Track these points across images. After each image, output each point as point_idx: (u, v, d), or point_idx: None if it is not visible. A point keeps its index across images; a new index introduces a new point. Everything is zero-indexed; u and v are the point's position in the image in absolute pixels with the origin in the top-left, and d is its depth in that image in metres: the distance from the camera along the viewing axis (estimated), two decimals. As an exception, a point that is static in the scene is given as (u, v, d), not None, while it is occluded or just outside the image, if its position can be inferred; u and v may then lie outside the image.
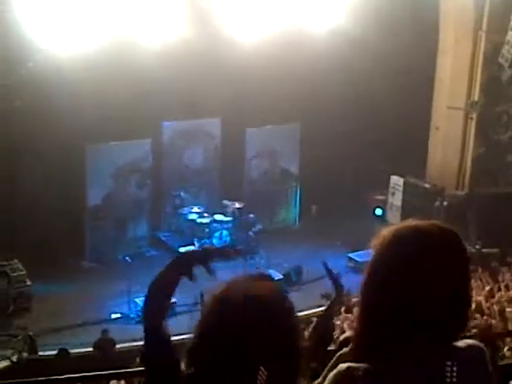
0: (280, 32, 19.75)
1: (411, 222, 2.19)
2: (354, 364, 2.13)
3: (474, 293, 14.52)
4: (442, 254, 2.11)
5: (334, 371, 2.16)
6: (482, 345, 2.24)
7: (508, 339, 10.56)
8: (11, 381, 10.05)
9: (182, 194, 20.75)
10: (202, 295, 17.32)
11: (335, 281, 4.89)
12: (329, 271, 4.99)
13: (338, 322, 15.13)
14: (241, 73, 19.47)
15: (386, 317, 2.11)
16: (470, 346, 2.19)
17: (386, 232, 2.19)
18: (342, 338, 4.51)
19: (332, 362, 2.33)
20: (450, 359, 2.12)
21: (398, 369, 2.09)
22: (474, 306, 13.87)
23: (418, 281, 2.08)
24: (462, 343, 2.19)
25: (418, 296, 2.08)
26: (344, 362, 2.16)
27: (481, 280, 16.36)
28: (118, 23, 18.24)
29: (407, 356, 2.09)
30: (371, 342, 2.14)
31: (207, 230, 20.15)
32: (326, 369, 2.67)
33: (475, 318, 12.22)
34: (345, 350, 2.31)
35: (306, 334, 14.05)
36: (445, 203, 20.99)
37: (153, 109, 19.11)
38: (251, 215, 20.39)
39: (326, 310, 4.96)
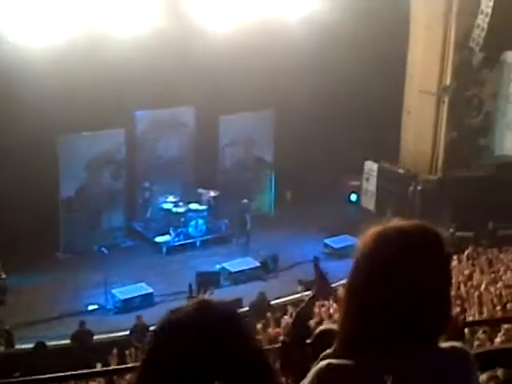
0: (253, 19, 19.72)
1: (395, 223, 2.22)
2: (335, 361, 2.12)
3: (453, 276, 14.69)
4: (423, 254, 2.13)
5: (315, 368, 2.15)
6: (466, 347, 2.26)
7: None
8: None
9: (146, 184, 20.67)
10: (190, 286, 17.39)
11: (322, 280, 4.88)
12: (318, 269, 5.00)
13: (316, 309, 15.17)
14: (214, 61, 19.39)
15: (369, 316, 2.12)
16: (453, 348, 2.20)
17: (369, 232, 2.21)
18: (318, 330, 4.52)
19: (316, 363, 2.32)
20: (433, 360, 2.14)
21: (380, 366, 2.11)
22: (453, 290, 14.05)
23: (400, 281, 2.09)
24: (446, 345, 2.20)
25: (399, 296, 2.09)
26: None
27: (459, 262, 16.50)
28: (89, 12, 18.09)
29: (391, 354, 2.10)
30: (355, 339, 2.15)
31: (183, 219, 20.12)
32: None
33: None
34: (328, 351, 2.29)
35: (283, 321, 14.03)
36: (419, 188, 21.16)
37: (125, 99, 18.98)
38: (245, 200, 20.48)
39: (304, 306, 4.94)
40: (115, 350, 13.24)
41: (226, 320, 1.90)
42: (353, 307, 2.17)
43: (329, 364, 2.12)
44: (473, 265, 16.40)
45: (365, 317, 2.12)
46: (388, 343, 2.10)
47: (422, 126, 22.08)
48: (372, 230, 2.19)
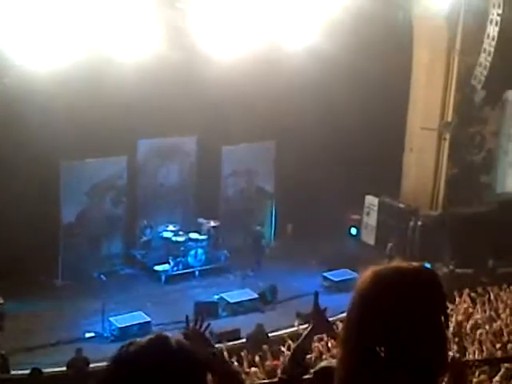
0: (256, 50, 19.83)
1: (393, 264, 2.25)
2: None
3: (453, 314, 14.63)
4: (419, 295, 2.16)
5: None
6: None
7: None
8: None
9: (144, 222, 20.69)
10: (187, 317, 17.25)
11: (320, 315, 4.84)
12: (316, 304, 4.97)
13: (314, 343, 15.09)
14: (217, 91, 19.51)
15: (365, 354, 2.13)
16: None
17: (367, 271, 2.25)
18: (318, 367, 4.48)
19: None
20: None
21: None
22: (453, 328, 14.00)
23: (394, 321, 2.11)
24: None
25: (394, 336, 2.11)
26: None
27: (459, 300, 16.41)
28: (94, 40, 18.22)
29: None
30: (353, 376, 2.17)
31: (182, 248, 20.10)
32: None
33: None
34: None
35: (283, 354, 13.86)
36: (419, 223, 21.15)
37: (128, 126, 19.09)
38: (258, 227, 20.47)
39: (301, 341, 4.89)
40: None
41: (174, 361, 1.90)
42: (350, 344, 2.18)
43: None
44: (472, 303, 16.32)
45: (361, 354, 2.13)
46: (389, 382, 2.12)
47: (423, 162, 22.14)
48: (370, 270, 2.22)
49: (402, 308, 2.13)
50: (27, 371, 14.52)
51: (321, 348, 14.29)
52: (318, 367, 4.67)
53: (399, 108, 22.23)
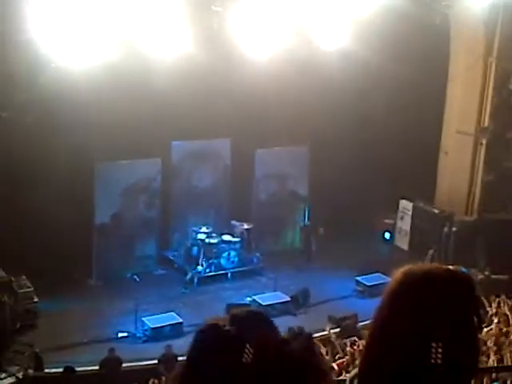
0: (290, 52, 19.82)
1: (425, 266, 2.22)
2: None
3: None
4: (452, 293, 2.12)
5: None
6: None
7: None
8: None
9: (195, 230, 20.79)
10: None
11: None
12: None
13: (348, 348, 15.05)
14: (251, 94, 19.54)
15: (390, 354, 2.10)
16: None
17: (397, 272, 2.22)
18: (352, 374, 4.43)
19: None
20: None
21: None
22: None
23: (421, 322, 2.08)
24: None
25: (419, 337, 2.07)
26: None
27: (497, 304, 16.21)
28: (129, 42, 18.35)
29: None
30: (378, 376, 2.15)
31: (215, 250, 20.15)
32: None
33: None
34: None
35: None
36: (454, 229, 20.94)
37: (163, 128, 19.18)
38: (307, 222, 20.73)
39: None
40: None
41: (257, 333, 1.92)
42: (376, 344, 2.16)
43: None
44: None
45: (385, 355, 2.10)
46: None
47: (458, 167, 21.93)
48: (400, 270, 2.20)
49: (432, 307, 2.09)
50: (60, 369, 14.70)
51: (354, 352, 14.25)
52: (352, 374, 4.63)
53: (435, 112, 22.05)
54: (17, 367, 15.21)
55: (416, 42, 20.55)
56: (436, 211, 21.68)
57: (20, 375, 14.93)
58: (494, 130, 21.39)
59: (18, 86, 17.37)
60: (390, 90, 20.99)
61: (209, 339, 1.92)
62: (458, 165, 21.95)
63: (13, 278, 17.28)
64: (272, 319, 2.03)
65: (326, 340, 16.56)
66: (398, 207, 22.78)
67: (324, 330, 17.29)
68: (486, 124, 21.44)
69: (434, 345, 2.05)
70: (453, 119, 22.20)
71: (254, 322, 1.98)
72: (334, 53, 20.20)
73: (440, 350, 2.06)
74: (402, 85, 20.90)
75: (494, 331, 14.10)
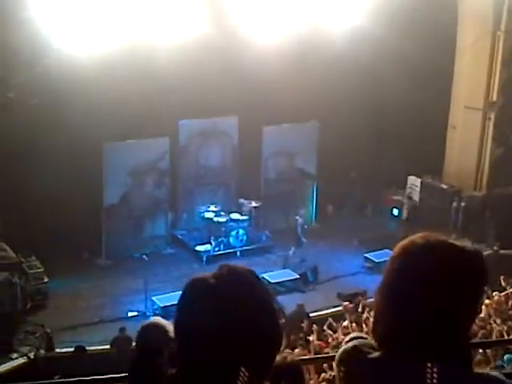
0: (298, 30, 19.74)
1: (424, 235, 2.25)
2: (361, 342, 2.21)
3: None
4: (453, 271, 2.14)
5: (340, 350, 2.23)
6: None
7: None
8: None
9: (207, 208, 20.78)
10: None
11: None
12: None
13: (346, 323, 15.10)
14: (258, 71, 19.45)
15: (389, 319, 2.16)
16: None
17: (404, 242, 2.26)
18: (347, 338, 4.48)
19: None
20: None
21: (404, 364, 2.12)
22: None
23: (430, 287, 2.12)
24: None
25: (418, 306, 2.12)
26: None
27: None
28: (135, 21, 18.29)
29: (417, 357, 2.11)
30: (384, 338, 2.18)
31: (224, 228, 20.17)
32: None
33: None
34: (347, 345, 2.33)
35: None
36: (462, 204, 20.91)
37: (170, 107, 19.14)
38: (297, 217, 20.61)
39: None
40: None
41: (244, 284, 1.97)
42: (379, 307, 2.21)
43: (355, 346, 2.22)
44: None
45: (384, 318, 2.17)
46: (415, 348, 2.11)
47: (467, 142, 21.84)
48: (407, 240, 2.23)
49: (431, 280, 2.11)
50: (71, 349, 14.80)
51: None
52: (348, 338, 4.67)
53: (444, 87, 21.93)
54: (28, 347, 15.34)
55: (424, 16, 20.40)
56: (444, 187, 21.64)
57: (31, 355, 15.04)
58: (502, 104, 21.26)
59: (22, 67, 17.34)
60: (399, 66, 20.85)
61: (193, 289, 1.97)
62: (467, 140, 21.86)
63: (23, 259, 17.38)
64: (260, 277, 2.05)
65: (335, 316, 16.63)
66: (406, 183, 22.73)
67: (334, 307, 17.38)
68: (495, 99, 21.31)
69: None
70: (461, 94, 22.08)
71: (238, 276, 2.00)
72: (343, 30, 20.13)
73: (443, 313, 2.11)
74: (410, 60, 20.76)
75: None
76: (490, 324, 13.06)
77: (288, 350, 13.08)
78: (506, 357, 10.69)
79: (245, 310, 1.92)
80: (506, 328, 12.67)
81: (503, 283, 16.16)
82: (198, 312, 1.92)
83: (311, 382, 10.65)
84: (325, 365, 10.70)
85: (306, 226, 20.83)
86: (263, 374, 1.97)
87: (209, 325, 1.89)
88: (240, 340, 1.89)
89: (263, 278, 18.35)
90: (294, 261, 19.60)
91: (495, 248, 19.12)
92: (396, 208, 22.93)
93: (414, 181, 22.52)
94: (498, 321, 13.17)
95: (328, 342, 14.10)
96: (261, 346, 1.93)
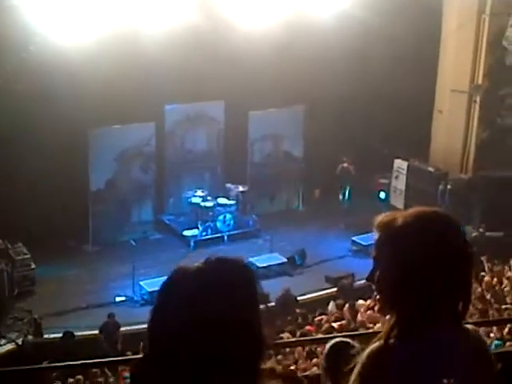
0: (285, 14, 19.70)
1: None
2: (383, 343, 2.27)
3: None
4: (446, 241, 2.32)
5: (366, 351, 2.28)
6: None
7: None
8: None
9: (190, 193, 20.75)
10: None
11: None
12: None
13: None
14: (245, 56, 19.39)
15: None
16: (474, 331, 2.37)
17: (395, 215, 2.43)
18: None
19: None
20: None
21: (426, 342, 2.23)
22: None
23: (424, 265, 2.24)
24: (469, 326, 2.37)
25: (427, 283, 2.23)
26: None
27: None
28: (120, 8, 18.20)
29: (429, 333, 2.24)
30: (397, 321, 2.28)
31: (211, 213, 20.17)
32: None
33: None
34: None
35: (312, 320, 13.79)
36: (449, 187, 20.98)
37: (155, 92, 19.05)
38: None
39: None
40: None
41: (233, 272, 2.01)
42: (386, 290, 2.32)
43: (380, 346, 2.26)
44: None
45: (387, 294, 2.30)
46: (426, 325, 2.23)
47: (453, 125, 21.90)
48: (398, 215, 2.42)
49: (428, 254, 2.25)
50: (60, 335, 14.80)
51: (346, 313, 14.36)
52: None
53: (428, 71, 21.94)
54: (16, 333, 15.34)
55: (409, 1, 20.39)
56: (431, 170, 21.70)
57: (19, 341, 15.04)
58: (488, 87, 21.31)
59: (7, 54, 17.22)
60: (384, 50, 20.83)
61: (175, 276, 2.01)
62: (453, 123, 21.91)
63: (9, 246, 17.32)
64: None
65: (323, 300, 16.72)
66: (392, 166, 22.77)
67: (322, 290, 17.48)
68: (480, 81, 21.36)
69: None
70: (446, 77, 22.10)
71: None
72: (329, 14, 20.11)
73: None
74: (395, 44, 20.75)
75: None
76: (491, 305, 13.21)
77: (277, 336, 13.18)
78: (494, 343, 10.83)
79: (225, 299, 1.89)
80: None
81: (486, 264, 16.31)
82: (176, 300, 1.89)
83: (302, 365, 10.72)
84: (318, 349, 10.76)
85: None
86: (247, 369, 1.90)
87: (189, 313, 1.87)
88: (220, 330, 1.85)
89: (250, 262, 18.49)
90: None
91: (481, 230, 19.23)
92: (383, 191, 22.98)
93: (400, 164, 22.56)
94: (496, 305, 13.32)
95: (315, 326, 14.19)
96: (242, 340, 1.88)
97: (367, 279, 2.37)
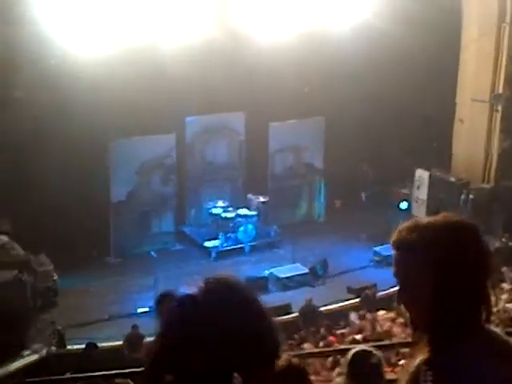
0: (304, 27, 19.79)
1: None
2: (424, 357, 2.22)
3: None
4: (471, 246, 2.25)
5: (412, 367, 2.23)
6: None
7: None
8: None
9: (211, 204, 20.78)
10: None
11: None
12: None
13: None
14: (265, 68, 19.46)
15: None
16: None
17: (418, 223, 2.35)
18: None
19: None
20: None
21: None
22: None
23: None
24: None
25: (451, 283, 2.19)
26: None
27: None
28: (140, 19, 18.34)
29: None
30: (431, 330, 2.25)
31: (232, 224, 20.18)
32: None
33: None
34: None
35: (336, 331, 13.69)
36: (471, 196, 20.87)
37: (176, 104, 19.15)
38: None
39: None
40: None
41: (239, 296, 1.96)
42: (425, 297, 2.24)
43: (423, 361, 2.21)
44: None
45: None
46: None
47: (474, 135, 21.79)
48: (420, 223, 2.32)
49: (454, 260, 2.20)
50: (82, 346, 14.84)
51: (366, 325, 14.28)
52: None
53: (450, 80, 21.88)
54: (40, 345, 15.38)
55: (430, 10, 20.34)
56: (453, 179, 21.59)
57: (43, 352, 15.10)
58: (509, 96, 21.20)
59: (28, 66, 17.38)
60: (404, 60, 20.83)
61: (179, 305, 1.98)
62: (474, 132, 21.81)
63: (32, 257, 17.41)
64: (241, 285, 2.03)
65: (345, 310, 16.65)
66: (414, 176, 22.68)
67: (345, 300, 17.42)
68: (501, 90, 21.26)
69: None
70: (467, 87, 22.02)
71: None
72: (347, 25, 20.13)
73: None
74: (415, 54, 20.76)
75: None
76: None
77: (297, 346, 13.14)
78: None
79: (232, 317, 1.90)
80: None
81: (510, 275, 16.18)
82: (184, 323, 1.90)
83: (325, 375, 10.64)
84: (342, 359, 10.69)
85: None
86: (259, 378, 1.94)
87: (197, 334, 1.87)
88: (230, 346, 1.87)
89: (272, 273, 18.49)
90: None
91: (504, 240, 19.09)
92: (404, 201, 22.87)
93: (421, 174, 22.47)
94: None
95: (338, 336, 14.13)
96: (252, 351, 1.91)
97: (398, 302, 2.32)
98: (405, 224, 2.32)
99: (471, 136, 21.91)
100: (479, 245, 2.26)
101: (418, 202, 22.61)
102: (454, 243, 2.22)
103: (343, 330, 14.77)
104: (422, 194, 22.45)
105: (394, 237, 2.30)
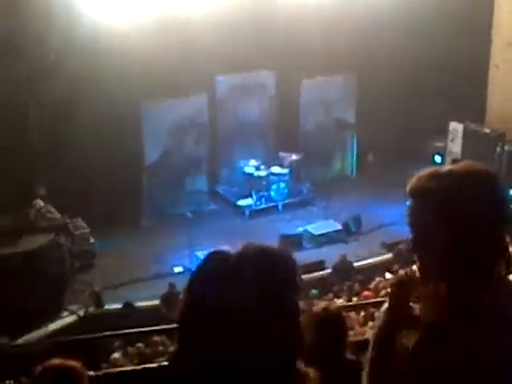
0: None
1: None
2: None
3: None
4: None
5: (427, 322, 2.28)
6: None
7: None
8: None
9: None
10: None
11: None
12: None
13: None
14: (295, 25, 19.26)
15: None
16: None
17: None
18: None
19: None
20: None
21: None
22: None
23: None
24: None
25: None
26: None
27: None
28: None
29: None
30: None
31: (265, 182, 20.20)
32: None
33: None
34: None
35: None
36: (506, 148, 20.56)
37: (206, 64, 19.06)
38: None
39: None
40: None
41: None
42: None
43: None
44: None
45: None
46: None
47: (510, 81, 21.27)
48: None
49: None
50: (120, 306, 15.07)
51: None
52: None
53: (484, 25, 21.36)
54: (77, 305, 15.67)
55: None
56: (487, 131, 21.27)
57: (81, 313, 15.38)
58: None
59: (60, 32, 17.42)
60: (438, 11, 20.43)
61: (211, 263, 1.95)
62: (510, 79, 21.29)
63: (68, 220, 17.63)
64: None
65: (379, 266, 16.64)
66: (448, 129, 22.39)
67: (379, 256, 17.40)
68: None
69: None
70: (503, 30, 21.44)
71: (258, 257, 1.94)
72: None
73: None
74: (449, 4, 20.34)
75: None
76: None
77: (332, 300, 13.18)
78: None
79: (266, 290, 1.86)
80: None
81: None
82: (214, 288, 1.87)
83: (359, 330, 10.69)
84: (376, 313, 10.71)
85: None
86: (291, 354, 1.88)
87: (228, 303, 1.84)
88: (262, 321, 1.83)
89: (306, 230, 18.51)
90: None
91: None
92: (438, 155, 22.64)
93: (456, 126, 22.16)
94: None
95: (373, 291, 14.14)
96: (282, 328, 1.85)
97: (413, 252, 2.29)
98: (423, 172, 2.25)
99: (507, 83, 21.37)
100: (499, 194, 2.22)
101: (452, 156, 22.34)
102: (474, 191, 2.17)
103: (378, 283, 14.69)
104: (456, 147, 22.18)
105: (411, 184, 2.25)
